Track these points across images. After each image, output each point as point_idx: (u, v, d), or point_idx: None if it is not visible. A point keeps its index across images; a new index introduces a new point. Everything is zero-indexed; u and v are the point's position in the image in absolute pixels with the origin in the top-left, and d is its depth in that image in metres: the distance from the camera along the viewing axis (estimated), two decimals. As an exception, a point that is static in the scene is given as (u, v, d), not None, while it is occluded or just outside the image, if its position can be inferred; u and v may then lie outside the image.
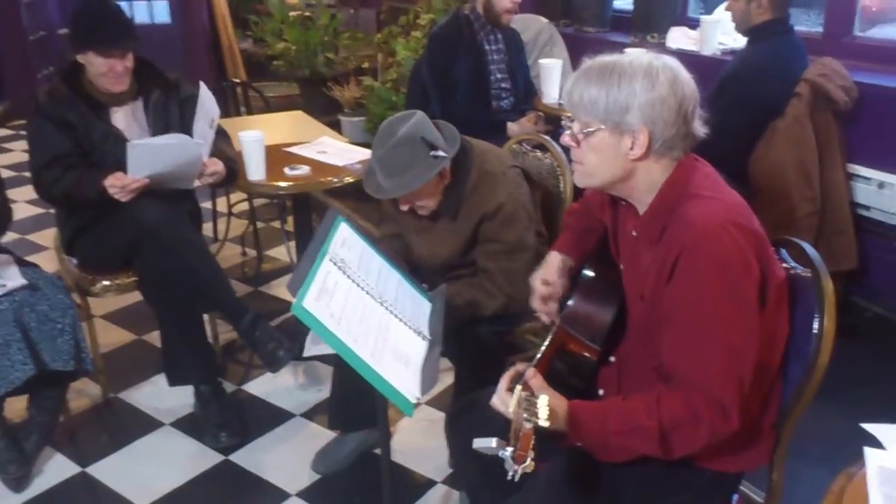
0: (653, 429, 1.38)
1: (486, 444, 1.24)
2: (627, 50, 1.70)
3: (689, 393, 1.38)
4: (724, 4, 3.19)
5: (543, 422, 1.27)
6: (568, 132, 1.51)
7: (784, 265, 1.58)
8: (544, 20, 4.35)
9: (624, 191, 1.54)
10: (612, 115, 1.43)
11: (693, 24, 4.10)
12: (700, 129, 1.47)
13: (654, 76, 1.41)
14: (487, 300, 2.19)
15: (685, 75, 1.45)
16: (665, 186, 1.48)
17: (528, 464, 1.19)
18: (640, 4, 4.28)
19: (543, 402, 1.31)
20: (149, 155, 2.48)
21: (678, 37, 4.04)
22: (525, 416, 1.26)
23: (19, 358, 2.28)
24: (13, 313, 2.30)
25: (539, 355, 1.60)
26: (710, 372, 1.37)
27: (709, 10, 4.20)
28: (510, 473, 1.20)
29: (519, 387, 1.38)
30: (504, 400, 1.42)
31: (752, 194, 2.85)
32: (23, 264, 2.50)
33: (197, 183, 2.66)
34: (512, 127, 3.41)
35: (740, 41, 3.37)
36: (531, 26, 4.23)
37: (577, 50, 4.23)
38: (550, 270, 1.78)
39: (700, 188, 1.46)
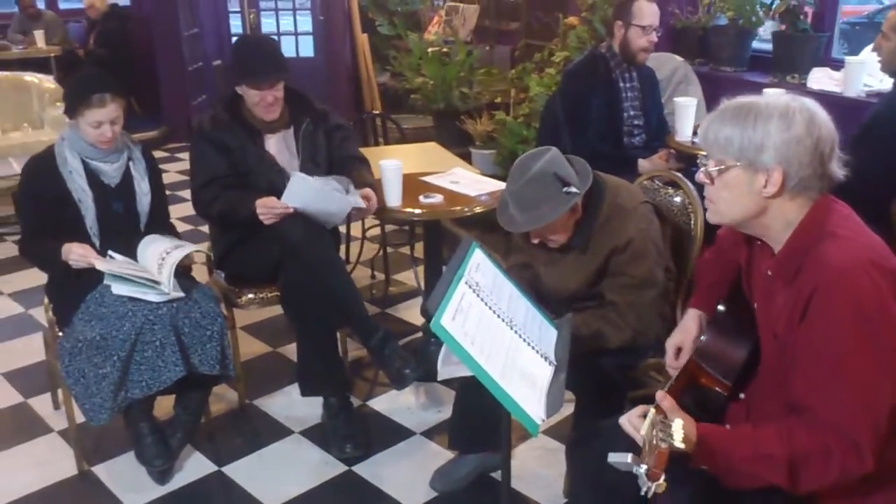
0: (782, 460, 1.38)
1: (621, 458, 1.27)
2: (766, 91, 1.72)
3: (822, 428, 1.38)
4: (872, 45, 3.10)
5: (679, 443, 1.28)
6: (702, 170, 1.53)
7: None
8: (679, 59, 4.35)
9: (757, 229, 1.54)
10: (746, 153, 1.45)
11: (837, 65, 3.99)
12: (838, 171, 1.47)
13: (791, 116, 1.42)
14: (613, 332, 2.20)
15: (823, 116, 1.45)
16: (801, 226, 1.48)
17: (661, 483, 1.22)
18: (780, 44, 4.20)
19: (678, 425, 1.33)
20: (306, 191, 2.65)
21: (820, 77, 3.94)
22: (661, 436, 1.28)
23: (172, 360, 2.47)
24: (170, 318, 2.50)
25: (670, 384, 1.62)
26: (844, 412, 1.36)
27: (854, 52, 4.07)
28: (643, 489, 1.23)
29: (652, 410, 1.39)
30: (634, 423, 1.43)
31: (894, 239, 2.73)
32: (178, 275, 2.71)
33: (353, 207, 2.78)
34: (643, 163, 3.41)
35: (887, 83, 3.25)
36: (666, 65, 4.24)
37: (713, 89, 4.21)
38: (686, 336, 1.80)
39: (837, 227, 1.45)
